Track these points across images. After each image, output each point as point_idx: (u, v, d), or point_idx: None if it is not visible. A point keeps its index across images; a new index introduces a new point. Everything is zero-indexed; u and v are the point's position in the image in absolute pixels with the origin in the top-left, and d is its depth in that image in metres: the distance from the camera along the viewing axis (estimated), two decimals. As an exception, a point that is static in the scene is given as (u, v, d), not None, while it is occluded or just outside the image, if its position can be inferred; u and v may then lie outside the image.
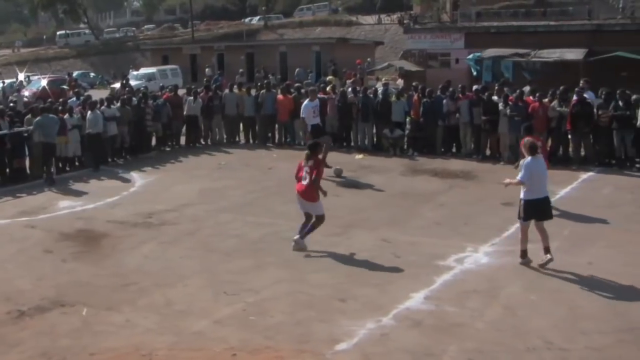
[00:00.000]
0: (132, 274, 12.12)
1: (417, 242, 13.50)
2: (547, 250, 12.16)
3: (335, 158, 20.79)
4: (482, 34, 41.23)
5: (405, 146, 23.18)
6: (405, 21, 47.28)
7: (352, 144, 24.36)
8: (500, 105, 21.25)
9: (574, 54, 35.17)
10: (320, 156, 13.90)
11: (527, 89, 23.50)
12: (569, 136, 20.92)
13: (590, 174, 19.54)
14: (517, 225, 13.31)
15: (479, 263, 12.41)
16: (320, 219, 13.33)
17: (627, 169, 20.01)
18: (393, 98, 23.45)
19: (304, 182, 13.18)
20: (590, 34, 36.70)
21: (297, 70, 49.48)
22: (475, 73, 38.41)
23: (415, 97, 23.14)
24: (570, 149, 21.06)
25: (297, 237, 13.30)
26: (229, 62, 60.04)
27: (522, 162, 12.59)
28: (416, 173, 19.96)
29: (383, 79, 33.64)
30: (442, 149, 22.62)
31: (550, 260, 11.95)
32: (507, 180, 12.70)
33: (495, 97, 21.76)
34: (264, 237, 14.17)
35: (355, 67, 44.25)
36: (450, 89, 22.90)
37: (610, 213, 15.19)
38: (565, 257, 12.63)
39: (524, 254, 12.31)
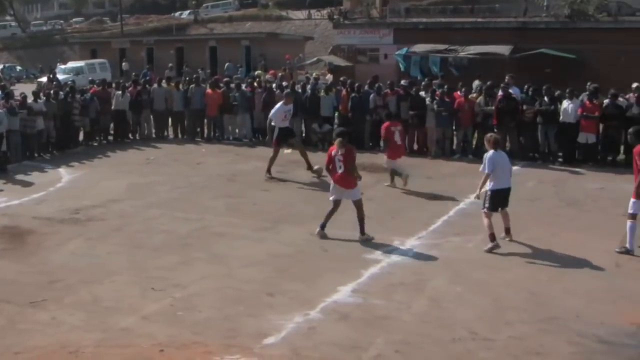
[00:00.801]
0: (59, 271, 11.94)
1: (345, 236, 13.54)
2: (507, 231, 13.20)
3: (263, 153, 20.80)
4: (411, 30, 41.60)
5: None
6: (335, 17, 47.30)
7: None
8: (428, 101, 21.53)
9: (500, 51, 35.70)
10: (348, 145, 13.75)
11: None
12: (495, 131, 21.24)
13: (515, 168, 19.74)
14: (444, 218, 13.61)
15: (405, 256, 12.55)
16: (359, 203, 13.50)
17: (550, 163, 20.49)
18: (322, 93, 23.54)
19: (340, 172, 13.36)
20: (516, 31, 37.30)
21: (226, 64, 49.31)
22: (403, 68, 38.72)
23: (344, 92, 23.26)
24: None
25: (359, 235, 13.42)
26: (159, 56, 59.46)
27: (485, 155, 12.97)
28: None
29: (314, 74, 33.66)
30: (370, 144, 22.78)
31: (501, 241, 12.85)
32: (477, 193, 13.34)
33: (422, 93, 22.01)
34: (192, 232, 14.10)
35: (285, 62, 44.29)
36: (377, 85, 23.07)
37: (533, 206, 15.53)
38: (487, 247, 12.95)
39: (492, 237, 12.80)
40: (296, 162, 20.30)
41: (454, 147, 22.08)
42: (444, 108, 21.01)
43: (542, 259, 12.49)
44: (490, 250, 12.69)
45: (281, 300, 10.52)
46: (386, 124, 17.81)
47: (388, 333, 9.37)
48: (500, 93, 20.98)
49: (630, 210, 12.70)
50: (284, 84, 25.56)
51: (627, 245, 12.78)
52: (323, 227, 13.64)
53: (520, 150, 21.06)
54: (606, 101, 20.46)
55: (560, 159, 20.92)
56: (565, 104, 20.53)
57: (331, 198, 13.74)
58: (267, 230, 14.18)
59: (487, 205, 12.93)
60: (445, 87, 22.54)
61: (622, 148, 20.71)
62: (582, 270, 11.96)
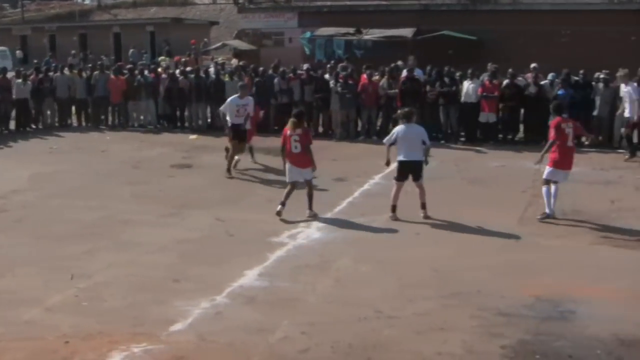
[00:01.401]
0: (-42, 265, 11.65)
1: (251, 220, 13.60)
2: (423, 206, 13.69)
3: (169, 139, 20.66)
4: (315, 13, 41.62)
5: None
6: (240, 1, 46.99)
7: (187, 124, 24.23)
8: (331, 83, 21.67)
9: (403, 33, 36.04)
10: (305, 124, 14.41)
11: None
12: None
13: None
14: (349, 199, 13.84)
15: (311, 238, 12.67)
16: (310, 183, 13.91)
17: (452, 142, 20.91)
18: (226, 78, 23.46)
19: (295, 151, 13.65)
20: (419, 14, 37.69)
21: (130, 51, 48.54)
22: (308, 52, 38.79)
23: (247, 77, 23.22)
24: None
25: (307, 211, 13.82)
26: (61, 43, 58.05)
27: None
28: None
29: (220, 59, 33.47)
30: (276, 127, 22.78)
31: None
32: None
33: (327, 75, 22.14)
34: (96, 221, 13.91)
35: (190, 48, 43.82)
36: (281, 69, 23.11)
37: (437, 185, 15.74)
38: (394, 227, 13.26)
39: (393, 208, 13.56)
40: (202, 147, 20.26)
41: (359, 129, 22.29)
42: (348, 90, 21.18)
43: (445, 236, 12.83)
44: (390, 219, 13.39)
45: (187, 286, 10.48)
46: None
47: (294, 315, 9.44)
48: (403, 75, 21.28)
49: (544, 176, 13.82)
50: (188, 69, 25.31)
51: (547, 211, 13.73)
52: (283, 204, 13.77)
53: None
54: (505, 81, 20.97)
55: (462, 139, 21.39)
56: (466, 84, 20.97)
57: (288, 180, 13.92)
58: (173, 216, 14.10)
59: (395, 174, 13.55)
60: (349, 69, 22.73)
61: (521, 127, 21.30)
62: (483, 245, 12.29)
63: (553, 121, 14.11)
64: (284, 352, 8.41)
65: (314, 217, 13.79)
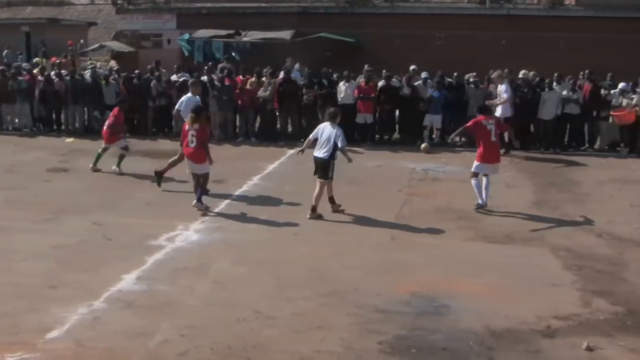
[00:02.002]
0: None
1: (129, 224, 13.44)
2: (330, 200, 14.27)
3: (45, 142, 20.21)
4: (194, 15, 41.30)
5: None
6: (118, 2, 46.22)
7: (63, 127, 23.73)
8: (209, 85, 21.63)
9: (281, 35, 36.19)
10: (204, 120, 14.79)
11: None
12: (277, 114, 21.73)
13: (297, 149, 20.37)
14: (227, 201, 13.99)
15: (189, 240, 12.61)
16: (206, 176, 14.43)
17: (330, 143, 21.16)
18: (103, 81, 23.09)
19: (192, 146, 14.10)
20: (297, 16, 37.90)
21: (5, 51, 47.16)
22: (187, 53, 38.50)
23: (122, 81, 22.95)
24: (279, 126, 21.87)
25: (194, 202, 14.13)
26: None
27: None
28: (128, 154, 19.80)
29: (99, 64, 32.84)
30: (154, 129, 22.63)
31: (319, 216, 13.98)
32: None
33: (204, 78, 22.06)
34: (-35, 227, 13.49)
35: (67, 49, 42.86)
36: (157, 72, 22.92)
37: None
38: (272, 228, 13.33)
39: (313, 209, 13.94)
40: (79, 151, 19.90)
41: (237, 130, 22.31)
42: (224, 92, 21.17)
43: (322, 236, 13.01)
44: (312, 217, 13.93)
45: (64, 292, 10.27)
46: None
47: (173, 318, 9.39)
48: (281, 76, 21.42)
49: (472, 170, 14.96)
50: (63, 72, 24.77)
51: (480, 201, 14.68)
52: (199, 200, 14.29)
53: (302, 131, 21.59)
54: (381, 83, 21.37)
55: (340, 139, 21.66)
56: (342, 86, 21.26)
57: (188, 171, 14.53)
58: (49, 221, 13.79)
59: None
60: (226, 71, 22.73)
61: (397, 127, 21.77)
62: (360, 244, 12.52)
63: (476, 118, 15.30)
64: (164, 355, 8.37)
65: (204, 210, 14.12)
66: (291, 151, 20.11)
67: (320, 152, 13.97)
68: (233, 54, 34.44)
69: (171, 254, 11.92)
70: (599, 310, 9.92)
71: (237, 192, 15.88)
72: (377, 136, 21.79)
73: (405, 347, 8.64)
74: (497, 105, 19.63)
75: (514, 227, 13.75)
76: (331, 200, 14.30)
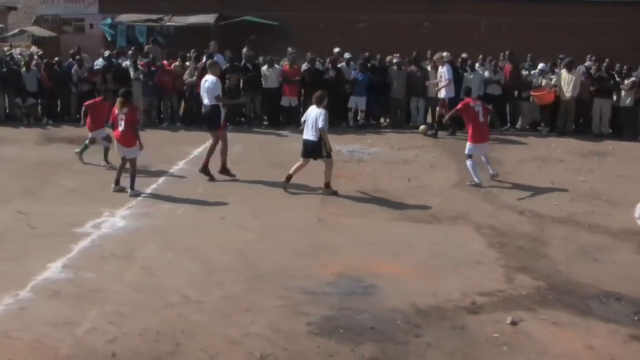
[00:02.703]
0: None
1: (53, 212, 13.25)
2: (326, 185, 14.49)
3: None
4: (117, -1, 40.83)
5: (40, 114, 22.54)
6: (38, -15, 45.31)
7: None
8: (132, 71, 21.38)
9: (205, 19, 35.93)
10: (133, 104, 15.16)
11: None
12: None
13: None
14: (153, 186, 14.03)
15: (116, 227, 12.50)
16: (133, 161, 14.44)
17: (256, 126, 21.21)
18: (23, 67, 22.63)
19: (120, 129, 14.31)
20: (221, 0, 37.70)
21: None
22: (110, 38, 37.95)
23: (42, 67, 22.56)
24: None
25: (128, 190, 14.28)
26: None
27: None
28: (51, 141, 19.56)
29: (19, 49, 32.11)
30: (78, 116, 22.27)
31: (333, 192, 14.52)
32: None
33: (127, 62, 21.81)
34: None
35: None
36: (78, 57, 22.56)
37: (240, 169, 15.99)
38: (199, 213, 13.34)
39: (288, 178, 14.64)
40: (1, 138, 19.51)
41: (162, 115, 22.14)
42: (149, 77, 20.98)
43: (249, 219, 13.03)
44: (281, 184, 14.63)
45: (-12, 283, 10.15)
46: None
47: (101, 305, 9.33)
48: (203, 61, 21.27)
49: (466, 152, 15.59)
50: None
51: (476, 180, 15.49)
52: (117, 182, 14.62)
53: (227, 115, 21.50)
54: (305, 66, 21.42)
55: (265, 123, 21.72)
56: (266, 70, 21.26)
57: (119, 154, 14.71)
58: (-30, 211, 13.54)
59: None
60: (151, 56, 22.52)
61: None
62: (287, 227, 12.59)
63: (463, 101, 16.09)
64: (92, 343, 8.31)
65: (135, 195, 14.17)
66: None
67: (308, 135, 14.40)
68: (157, 38, 34.04)
69: (97, 241, 11.80)
70: (522, 286, 10.19)
71: (163, 177, 15.79)
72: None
73: (334, 328, 8.74)
74: (440, 88, 20.01)
75: (438, 206, 13.98)
76: (326, 185, 14.60)
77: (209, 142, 15.84)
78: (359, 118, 21.61)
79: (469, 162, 15.60)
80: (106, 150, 16.77)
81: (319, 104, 14.43)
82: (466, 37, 29.77)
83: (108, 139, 16.44)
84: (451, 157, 18.18)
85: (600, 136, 20.98)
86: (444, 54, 21.24)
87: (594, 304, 9.68)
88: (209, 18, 35.75)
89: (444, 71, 20.21)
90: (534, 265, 11.05)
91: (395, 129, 21.20)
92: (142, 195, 14.34)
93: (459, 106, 16.00)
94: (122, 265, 10.74)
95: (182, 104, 22.03)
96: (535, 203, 14.34)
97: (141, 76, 21.02)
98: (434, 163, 17.46)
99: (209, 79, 15.64)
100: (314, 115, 14.32)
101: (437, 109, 20.42)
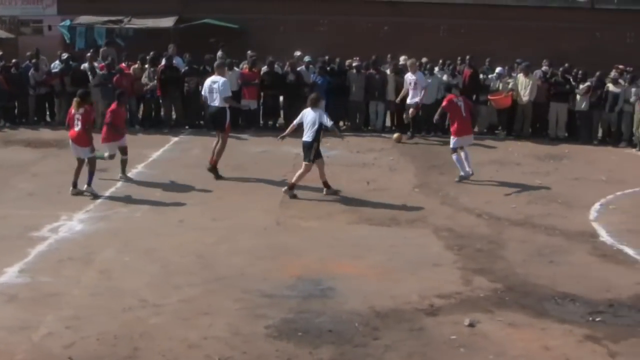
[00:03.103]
0: None
1: (10, 215, 13.12)
2: (325, 184, 14.71)
3: None
4: (75, 0, 40.49)
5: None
6: (-7, -14, 44.81)
7: None
8: (90, 75, 21.22)
9: (164, 22, 35.78)
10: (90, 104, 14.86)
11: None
12: (160, 101, 21.55)
13: (182, 136, 20.38)
14: (112, 189, 13.98)
15: (73, 231, 12.41)
16: (92, 161, 14.41)
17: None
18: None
19: (76, 129, 14.26)
20: (181, 2, 37.49)
21: None
22: (68, 40, 37.65)
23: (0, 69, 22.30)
24: (162, 113, 21.70)
25: (85, 186, 14.34)
26: None
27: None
28: (8, 144, 19.31)
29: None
30: (35, 118, 22.09)
31: (334, 192, 14.80)
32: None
33: (86, 65, 21.64)
34: None
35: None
36: (34, 60, 22.31)
37: (199, 172, 15.96)
38: (157, 216, 13.31)
39: (292, 186, 14.51)
40: None
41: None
42: (106, 81, 20.82)
43: (208, 222, 13.01)
44: (288, 194, 14.47)
45: (-57, 289, 10.01)
46: None
47: (58, 310, 9.27)
48: (163, 63, 21.23)
49: (451, 146, 16.24)
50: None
51: (462, 173, 16.11)
52: (75, 185, 14.46)
53: (187, 118, 21.54)
54: (264, 68, 21.44)
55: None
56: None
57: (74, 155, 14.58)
58: None
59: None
60: (110, 58, 22.39)
61: (282, 113, 21.88)
62: (246, 230, 12.58)
63: (447, 97, 16.54)
64: (49, 348, 8.26)
65: (91, 192, 14.27)
66: (176, 138, 20.04)
67: (306, 136, 14.49)
68: (117, 40, 33.84)
69: (55, 245, 11.71)
70: (480, 288, 10.29)
71: (122, 181, 15.66)
72: (261, 122, 21.87)
73: (292, 331, 8.77)
74: (422, 96, 20.32)
75: (397, 209, 14.07)
76: (325, 184, 14.81)
77: (215, 142, 16.06)
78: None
79: (454, 156, 16.18)
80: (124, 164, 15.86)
81: (314, 106, 14.64)
82: (425, 41, 29.92)
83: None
84: (410, 160, 18.30)
85: (557, 140, 21.22)
86: (404, 59, 21.44)
87: (549, 305, 9.81)
88: (168, 21, 35.60)
89: (417, 78, 20.30)
90: (491, 267, 11.16)
91: (354, 132, 21.28)
92: (101, 198, 14.24)
93: (444, 103, 16.47)
94: (79, 269, 10.67)
95: (141, 106, 21.89)
96: (493, 206, 14.47)
97: (99, 79, 20.84)
98: (392, 166, 17.56)
99: (218, 80, 15.78)
100: (312, 117, 14.46)
101: (411, 111, 20.39)
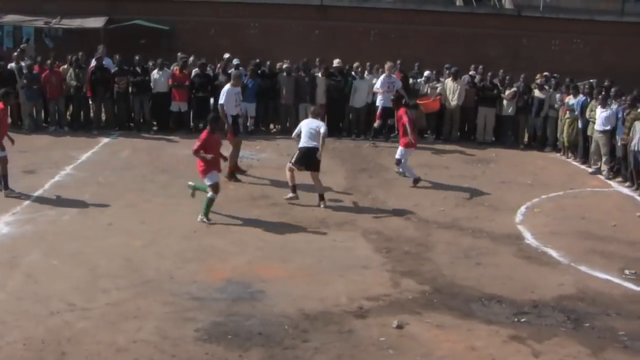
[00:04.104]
0: None
1: None
2: (321, 197, 14.60)
3: None
4: (1, -1, 39.78)
5: None
6: None
7: None
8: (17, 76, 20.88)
9: (94, 22, 35.38)
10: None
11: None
12: (90, 102, 21.32)
13: (111, 138, 20.16)
14: (39, 192, 13.76)
15: (-1, 234, 12.25)
16: (3, 160, 14.15)
17: (145, 131, 20.98)
18: None
19: None
20: (110, 3, 37.12)
21: None
22: (-6, 40, 37.03)
23: None
24: (92, 114, 21.46)
25: (3, 191, 14.16)
26: None
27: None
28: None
29: None
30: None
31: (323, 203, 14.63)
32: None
33: (13, 65, 21.27)
34: None
35: None
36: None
37: (128, 174, 15.86)
38: (85, 219, 13.17)
39: (293, 189, 14.62)
40: None
41: (49, 119, 21.66)
42: (33, 81, 20.50)
43: (136, 225, 12.93)
44: (289, 200, 14.51)
45: None
46: None
47: (-22, 315, 9.13)
48: (93, 64, 21.01)
49: (397, 157, 16.75)
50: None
51: (413, 177, 16.50)
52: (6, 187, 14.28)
53: (116, 120, 21.35)
54: (195, 71, 21.35)
55: (154, 128, 21.51)
56: (156, 74, 21.08)
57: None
58: None
59: (293, 160, 14.59)
60: (38, 58, 22.06)
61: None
62: (174, 233, 12.55)
63: (401, 110, 16.87)
64: (-27, 353, 8.14)
65: (17, 196, 14.09)
66: (105, 140, 19.82)
67: (310, 142, 14.46)
68: (45, 40, 33.34)
69: (-20, 248, 11.51)
70: (408, 290, 10.45)
71: (50, 183, 15.42)
72: (192, 124, 21.75)
73: (222, 334, 8.79)
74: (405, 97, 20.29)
75: (326, 212, 14.17)
76: (321, 197, 14.75)
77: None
78: (248, 124, 21.59)
79: (401, 168, 16.84)
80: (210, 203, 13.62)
81: (316, 117, 15.05)
82: (356, 45, 30.13)
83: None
84: (340, 163, 18.40)
85: (484, 144, 21.60)
86: (338, 62, 21.68)
87: (476, 306, 10.02)
88: (98, 21, 35.18)
89: (393, 80, 20.45)
90: (419, 269, 11.33)
91: (284, 135, 21.29)
92: (28, 200, 14.03)
93: (406, 118, 16.50)
94: (5, 273, 10.50)
95: (70, 108, 21.60)
96: (421, 209, 14.67)
97: (24, 81, 20.48)
98: (322, 169, 17.55)
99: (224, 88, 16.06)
100: (315, 125, 14.57)
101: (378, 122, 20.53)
